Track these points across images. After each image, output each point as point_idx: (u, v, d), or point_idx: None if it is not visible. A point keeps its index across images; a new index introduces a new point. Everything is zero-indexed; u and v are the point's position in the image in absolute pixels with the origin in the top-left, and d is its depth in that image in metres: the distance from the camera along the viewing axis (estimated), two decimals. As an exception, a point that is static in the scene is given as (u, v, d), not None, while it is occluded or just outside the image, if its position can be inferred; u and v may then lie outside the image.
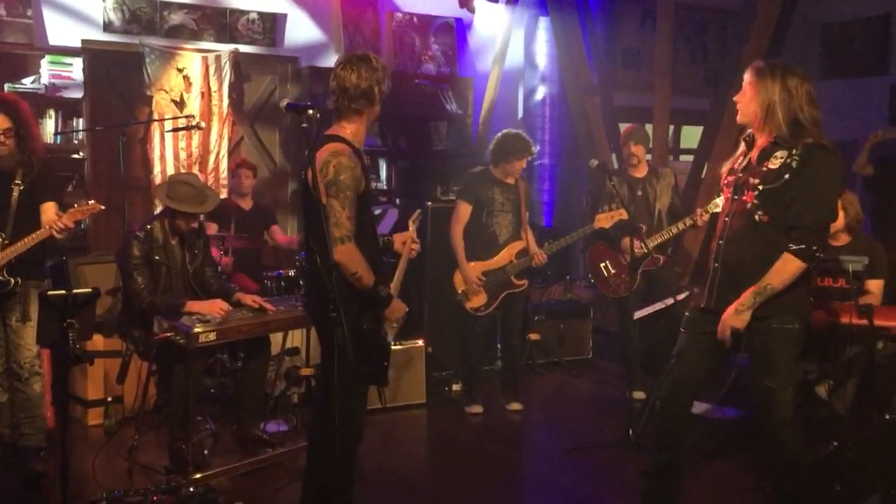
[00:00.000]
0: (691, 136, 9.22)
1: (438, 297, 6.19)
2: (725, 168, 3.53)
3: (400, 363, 5.57)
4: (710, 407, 5.26)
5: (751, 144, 3.43)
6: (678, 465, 3.65)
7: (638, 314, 5.14)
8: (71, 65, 6.08)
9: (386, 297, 3.37)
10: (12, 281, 4.12)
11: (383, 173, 7.41)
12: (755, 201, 3.30)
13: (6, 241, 4.11)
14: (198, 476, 4.18)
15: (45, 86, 5.97)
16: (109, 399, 5.14)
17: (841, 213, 4.92)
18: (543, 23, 8.20)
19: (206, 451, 4.49)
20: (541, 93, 8.38)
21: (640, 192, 5.82)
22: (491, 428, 5.44)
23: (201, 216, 4.83)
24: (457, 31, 7.79)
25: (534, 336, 6.63)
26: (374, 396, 5.39)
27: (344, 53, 7.02)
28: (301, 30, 7.06)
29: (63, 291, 3.49)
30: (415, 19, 7.55)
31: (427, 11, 7.61)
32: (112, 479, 4.31)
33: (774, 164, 3.28)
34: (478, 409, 5.65)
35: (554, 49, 8.09)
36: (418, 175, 7.17)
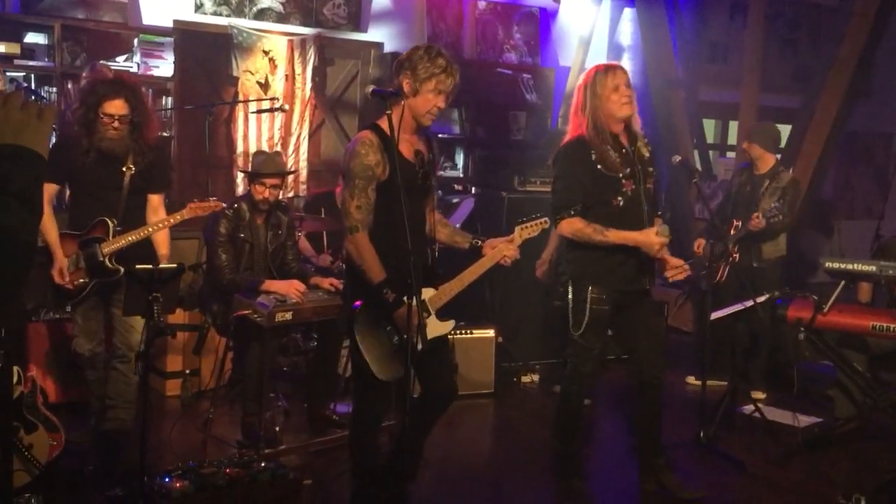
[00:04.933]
0: (777, 134, 8.96)
1: (512, 287, 6.18)
2: (606, 165, 3.79)
3: (470, 352, 5.58)
4: (787, 413, 5.14)
5: (612, 139, 3.82)
6: None
7: (715, 315, 5.04)
8: (162, 45, 6.24)
9: (391, 303, 3.15)
10: (120, 270, 4.03)
11: (460, 161, 7.42)
12: (652, 186, 3.90)
13: (118, 227, 4.07)
14: (268, 451, 4.28)
15: (137, 64, 6.14)
16: (187, 372, 5.29)
17: None
18: (629, 13, 8.07)
19: (277, 428, 4.58)
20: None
21: (749, 188, 5.73)
22: (558, 421, 5.40)
23: (283, 192, 4.91)
24: (540, 20, 7.73)
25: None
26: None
27: (427, 39, 7.05)
28: (385, 15, 7.10)
29: (150, 266, 3.59)
30: (498, 7, 7.51)
31: (511, 0, 7.56)
32: (187, 449, 4.44)
33: (647, 152, 3.92)
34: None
35: (639, 40, 7.96)
36: (496, 164, 7.16)
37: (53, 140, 4.76)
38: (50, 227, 4.04)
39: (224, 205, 4.41)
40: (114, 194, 4.09)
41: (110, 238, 4.05)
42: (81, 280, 4.07)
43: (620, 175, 3.77)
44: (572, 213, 3.76)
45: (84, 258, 4.06)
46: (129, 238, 4.05)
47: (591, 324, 3.86)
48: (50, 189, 4.10)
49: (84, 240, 4.08)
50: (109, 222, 4.06)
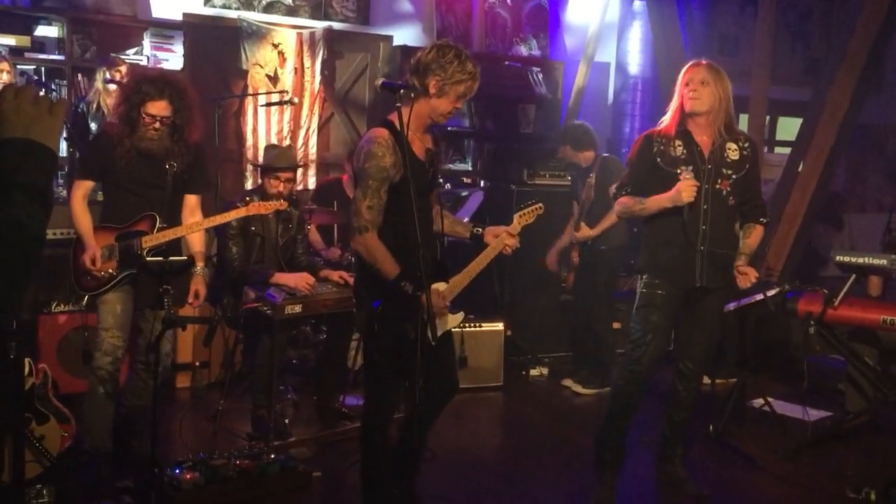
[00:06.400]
0: (787, 127, 8.94)
1: (521, 281, 6.18)
2: (664, 159, 3.82)
3: (478, 345, 5.59)
4: (796, 407, 5.13)
5: (684, 135, 3.80)
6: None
7: (726, 308, 5.03)
8: (171, 37, 6.24)
9: (411, 294, 3.11)
10: (159, 259, 3.86)
11: (469, 154, 7.41)
12: (728, 188, 3.80)
13: (162, 224, 3.96)
14: (278, 443, 4.29)
15: (147, 57, 6.15)
16: (197, 364, 5.31)
17: None
18: (638, 6, 8.03)
19: (286, 420, 4.60)
20: (632, 78, 8.22)
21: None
22: (568, 413, 5.42)
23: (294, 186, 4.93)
24: (550, 13, 7.70)
25: (615, 325, 6.56)
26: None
27: (436, 33, 7.04)
28: (394, 8, 7.09)
29: (161, 258, 3.59)
30: (508, 0, 7.49)
31: (521, -8, 7.54)
32: (197, 441, 4.46)
33: (734, 155, 3.82)
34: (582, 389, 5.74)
35: (648, 33, 7.92)
36: (505, 157, 7.14)
37: (92, 136, 4.71)
38: (83, 219, 3.92)
39: (287, 204, 4.48)
40: (156, 192, 3.97)
41: (153, 233, 3.92)
42: (110, 271, 3.89)
43: (678, 171, 3.78)
44: (623, 193, 3.95)
45: (119, 249, 3.93)
46: (172, 234, 3.94)
47: (642, 306, 3.90)
48: (86, 185, 3.98)
49: (123, 233, 3.95)
50: (157, 217, 3.94)
